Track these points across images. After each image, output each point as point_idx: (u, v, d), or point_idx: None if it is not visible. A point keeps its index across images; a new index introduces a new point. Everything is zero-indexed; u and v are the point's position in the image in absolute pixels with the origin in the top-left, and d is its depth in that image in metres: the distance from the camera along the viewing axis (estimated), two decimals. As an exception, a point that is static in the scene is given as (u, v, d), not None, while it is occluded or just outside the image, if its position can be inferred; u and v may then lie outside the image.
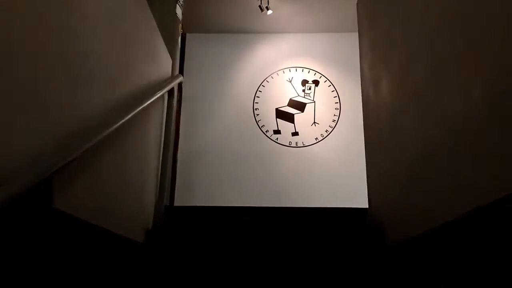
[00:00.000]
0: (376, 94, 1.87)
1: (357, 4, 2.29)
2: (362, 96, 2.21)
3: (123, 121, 1.36)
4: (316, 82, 3.89)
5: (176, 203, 3.51)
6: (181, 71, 3.83)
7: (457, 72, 1.05)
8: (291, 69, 3.95)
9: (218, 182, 3.62)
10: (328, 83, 3.89)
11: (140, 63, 1.73)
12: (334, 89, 3.86)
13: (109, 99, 1.36)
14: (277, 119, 3.81)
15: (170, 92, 2.09)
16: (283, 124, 3.79)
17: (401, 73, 1.54)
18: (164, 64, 2.15)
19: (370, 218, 1.90)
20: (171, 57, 2.34)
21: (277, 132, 3.77)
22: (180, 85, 2.35)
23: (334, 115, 3.79)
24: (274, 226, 2.00)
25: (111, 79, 1.40)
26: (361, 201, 3.51)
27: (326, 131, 3.74)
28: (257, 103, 3.85)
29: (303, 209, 2.22)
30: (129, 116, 1.44)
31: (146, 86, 1.79)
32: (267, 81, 3.92)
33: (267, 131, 3.77)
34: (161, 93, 1.86)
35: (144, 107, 1.61)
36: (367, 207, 2.08)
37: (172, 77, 2.17)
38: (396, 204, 1.54)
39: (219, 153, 3.70)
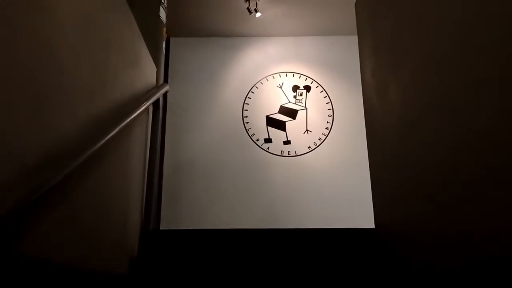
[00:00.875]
0: (382, 103, 1.72)
1: (355, 4, 2.14)
2: (364, 104, 2.06)
3: (101, 142, 1.19)
4: (307, 88, 3.75)
5: (162, 221, 3.32)
6: (166, 78, 3.65)
7: (487, 79, 0.90)
8: (281, 74, 3.80)
9: (207, 195, 3.44)
10: (320, 88, 3.75)
11: (121, 72, 1.55)
12: (326, 95, 3.73)
13: (84, 118, 1.18)
14: (268, 127, 3.65)
15: (155, 104, 1.92)
16: (275, 133, 3.63)
17: (414, 80, 1.40)
18: (148, 72, 1.97)
19: (380, 243, 1.75)
20: (155, 64, 2.16)
21: (268, 140, 3.61)
22: (165, 94, 2.18)
23: (327, 122, 3.65)
24: (270, 251, 1.84)
25: (87, 93, 1.22)
26: (358, 215, 3.38)
27: (319, 139, 3.60)
28: (247, 110, 3.69)
29: (300, 231, 2.05)
30: (109, 136, 1.27)
31: (128, 99, 1.61)
32: (256, 87, 3.76)
33: (257, 140, 3.61)
34: (145, 106, 1.69)
35: (125, 124, 1.43)
36: (368, 226, 1.93)
37: (157, 87, 1.99)
38: (415, 228, 1.39)
39: (207, 164, 3.52)
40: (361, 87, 2.14)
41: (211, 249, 1.90)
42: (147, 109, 1.84)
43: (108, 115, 1.35)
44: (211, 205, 3.42)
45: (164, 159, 3.52)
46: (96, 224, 1.28)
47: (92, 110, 1.25)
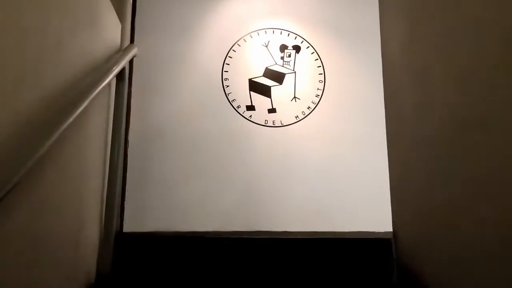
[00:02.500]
0: (418, 90, 1.35)
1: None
2: (384, 87, 1.69)
3: (50, 141, 0.79)
4: (297, 48, 3.33)
5: (127, 206, 2.93)
6: (132, 33, 3.14)
7: None
8: (267, 31, 3.36)
9: (178, 171, 3.06)
10: (311, 49, 3.34)
11: (69, 38, 1.11)
12: (318, 58, 3.33)
13: (21, 105, 0.77)
14: (251, 92, 3.25)
15: (120, 75, 1.48)
16: (258, 99, 3.24)
17: (479, 66, 1.03)
18: (111, 31, 1.52)
19: (401, 264, 1.43)
20: (120, 20, 1.70)
21: (250, 108, 3.22)
22: (132, 60, 1.73)
23: (318, 89, 3.28)
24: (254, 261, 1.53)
25: (21, 71, 0.80)
26: (348, 193, 3.10)
27: (308, 108, 3.24)
28: (227, 71, 3.25)
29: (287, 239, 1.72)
30: (58, 132, 0.86)
31: (81, 73, 1.18)
32: (238, 45, 3.31)
33: (238, 106, 3.21)
34: (105, 81, 1.25)
35: (78, 113, 1.01)
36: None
37: (123, 51, 1.55)
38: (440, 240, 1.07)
39: (179, 134, 3.12)
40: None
41: (186, 258, 1.58)
42: (109, 82, 1.41)
43: (51, 103, 0.93)
44: (184, 181, 3.05)
45: (130, 128, 3.08)
46: (36, 255, 0.90)
47: (32, 94, 0.84)
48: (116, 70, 1.32)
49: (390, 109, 1.65)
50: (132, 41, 3.17)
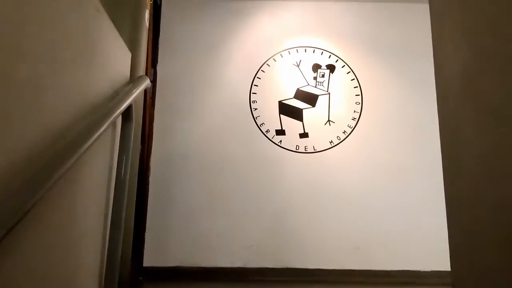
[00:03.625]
0: (485, 132, 1.11)
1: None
2: (440, 123, 1.44)
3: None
4: (331, 68, 3.12)
5: (147, 237, 2.78)
6: (155, 52, 3.02)
7: None
8: (298, 49, 3.16)
9: (202, 200, 2.88)
10: (346, 68, 3.12)
11: (64, 74, 0.95)
12: (354, 77, 3.10)
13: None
14: (281, 115, 3.05)
15: (126, 113, 1.31)
16: (289, 123, 3.03)
17: None
18: (117, 62, 1.35)
19: None
20: (133, 47, 1.54)
21: (280, 132, 3.02)
22: (146, 89, 1.57)
23: (355, 111, 3.04)
24: None
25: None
26: (392, 228, 2.83)
27: (344, 132, 3.00)
28: (255, 93, 3.07)
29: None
30: (44, 190, 0.70)
31: (75, 118, 1.01)
32: (267, 65, 3.13)
33: (267, 131, 3.01)
34: (105, 125, 1.08)
35: (69, 166, 0.85)
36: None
37: (132, 85, 1.38)
38: None
39: (204, 160, 2.95)
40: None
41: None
42: (113, 122, 1.24)
43: (36, 155, 0.76)
44: (209, 210, 2.86)
45: (152, 153, 2.94)
46: None
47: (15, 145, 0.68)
48: (118, 111, 1.15)
49: (448, 153, 1.40)
50: (154, 63, 3.05)
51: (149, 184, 2.89)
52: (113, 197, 1.27)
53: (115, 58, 1.31)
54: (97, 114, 1.11)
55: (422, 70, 3.06)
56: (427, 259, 2.77)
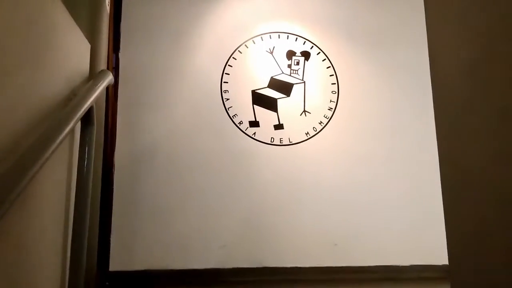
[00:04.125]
0: (497, 132, 1.00)
1: None
2: (433, 90, 1.34)
3: None
4: (306, 55, 2.98)
5: (113, 238, 2.60)
6: (117, 40, 2.79)
7: None
8: (272, 35, 3.00)
9: (172, 196, 2.71)
10: (322, 55, 2.98)
11: (7, 74, 0.76)
12: (330, 65, 2.97)
13: None
14: (254, 105, 2.89)
15: (87, 116, 1.12)
16: (263, 113, 2.88)
17: None
18: (74, 55, 1.16)
19: None
20: (90, 36, 1.34)
21: (254, 124, 2.87)
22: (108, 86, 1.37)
23: (331, 100, 2.92)
24: None
25: None
26: (366, 223, 2.75)
27: (320, 123, 2.88)
28: (226, 82, 2.90)
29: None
30: None
31: (24, 128, 0.83)
32: (239, 51, 2.95)
33: (240, 122, 2.85)
34: (60, 137, 0.90)
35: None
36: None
37: (92, 82, 1.19)
38: None
39: (173, 155, 2.77)
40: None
41: None
42: (71, 129, 1.05)
43: None
44: (179, 209, 2.70)
45: (116, 148, 2.73)
46: None
47: None
48: (77, 116, 0.96)
49: (439, 110, 1.29)
50: (115, 49, 2.82)
51: (114, 183, 2.69)
52: (74, 209, 1.09)
53: (72, 51, 1.11)
54: (50, 122, 0.93)
55: (401, 58, 2.96)
56: (406, 254, 2.71)
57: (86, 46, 1.22)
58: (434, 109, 1.35)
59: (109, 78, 1.27)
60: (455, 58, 1.17)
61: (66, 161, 1.09)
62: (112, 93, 2.78)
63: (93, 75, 1.23)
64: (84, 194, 1.11)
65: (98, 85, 1.14)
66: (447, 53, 1.21)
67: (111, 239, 2.62)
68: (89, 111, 1.08)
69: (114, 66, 2.82)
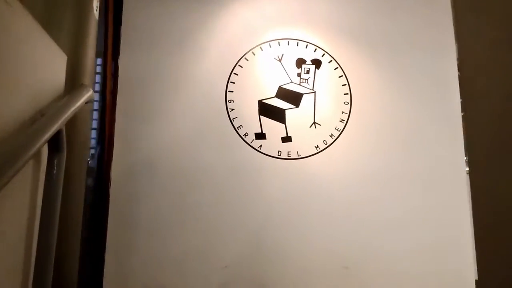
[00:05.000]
0: None
1: None
2: (463, 101, 1.16)
3: None
4: (317, 63, 2.82)
5: (108, 266, 2.46)
6: (116, 46, 2.67)
7: None
8: (280, 42, 2.84)
9: (173, 213, 2.56)
10: (334, 64, 2.82)
11: None
12: (343, 74, 2.80)
13: None
14: (261, 116, 2.74)
15: (55, 141, 0.98)
16: (270, 125, 2.73)
17: None
18: (45, 68, 1.01)
19: None
20: (73, 47, 1.20)
21: (260, 136, 2.71)
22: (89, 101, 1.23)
23: (343, 112, 2.75)
24: None
25: None
26: (381, 243, 2.57)
27: (331, 136, 2.72)
28: (232, 92, 2.75)
29: None
30: None
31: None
32: (246, 59, 2.80)
33: (246, 134, 2.70)
34: (18, 164, 0.75)
35: None
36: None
37: (67, 98, 1.04)
38: None
39: (174, 169, 2.63)
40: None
41: None
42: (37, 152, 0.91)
43: None
44: (178, 226, 2.55)
45: (112, 163, 2.59)
46: None
47: None
48: (40, 141, 0.81)
49: (470, 119, 1.13)
50: (115, 56, 2.69)
51: (110, 199, 2.55)
52: (37, 249, 0.94)
53: (43, 64, 0.97)
54: (6, 149, 0.78)
55: (420, 66, 2.79)
56: (423, 278, 2.53)
57: (61, 58, 1.08)
58: (464, 131, 1.18)
59: (88, 94, 1.12)
60: (491, 72, 1.01)
61: (27, 197, 0.94)
62: (110, 101, 2.65)
63: (69, 92, 1.10)
64: (47, 237, 0.96)
65: (73, 102, 0.99)
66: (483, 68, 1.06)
67: (106, 257, 2.49)
68: (58, 135, 0.93)
69: (113, 73, 2.70)
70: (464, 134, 2.58)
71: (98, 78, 2.66)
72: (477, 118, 1.04)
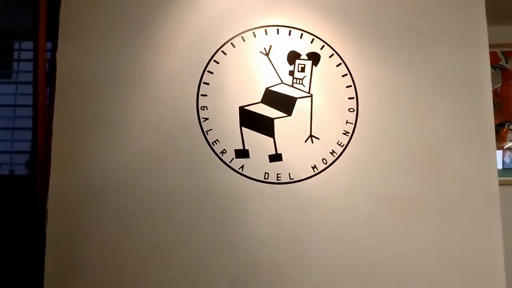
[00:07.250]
0: None
1: None
2: None
3: None
4: (314, 57, 2.30)
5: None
6: (54, 35, 2.12)
7: None
8: (268, 29, 2.31)
9: (130, 255, 2.07)
10: (336, 59, 2.29)
11: None
12: (347, 72, 2.29)
13: None
14: (242, 128, 2.22)
15: None
16: (254, 139, 2.22)
17: None
18: None
19: None
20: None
21: (242, 154, 2.21)
22: None
23: (347, 121, 2.25)
24: None
25: None
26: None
27: (333, 152, 2.22)
28: (205, 96, 2.22)
29: None
30: None
31: None
32: (223, 52, 2.27)
33: (223, 152, 2.19)
34: None
35: None
36: None
37: None
38: None
39: (129, 196, 2.14)
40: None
41: None
42: None
43: None
44: (137, 272, 2.05)
45: (50, 190, 2.06)
46: None
47: None
48: None
49: None
50: (53, 48, 2.14)
51: (46, 239, 2.03)
52: None
53: None
54: None
55: (446, 62, 2.27)
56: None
57: None
58: None
59: None
60: None
61: None
62: (43, 109, 2.10)
63: None
64: None
65: None
66: None
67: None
68: None
69: (47, 71, 2.15)
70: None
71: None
72: None
